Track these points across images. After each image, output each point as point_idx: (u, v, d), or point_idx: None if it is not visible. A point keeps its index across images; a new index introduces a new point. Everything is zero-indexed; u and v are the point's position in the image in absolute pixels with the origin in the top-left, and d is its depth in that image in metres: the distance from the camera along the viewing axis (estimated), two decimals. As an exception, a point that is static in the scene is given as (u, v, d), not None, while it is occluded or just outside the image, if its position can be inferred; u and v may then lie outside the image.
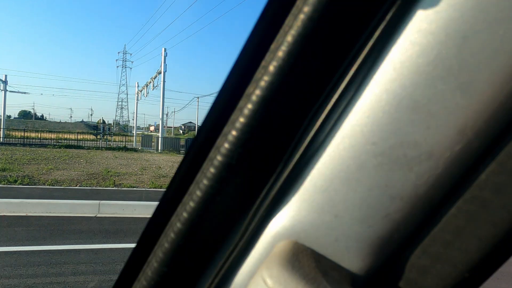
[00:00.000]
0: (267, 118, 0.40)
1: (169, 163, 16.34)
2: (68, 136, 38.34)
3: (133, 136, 53.21)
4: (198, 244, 0.47)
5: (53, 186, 8.91)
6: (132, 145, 34.61)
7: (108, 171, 11.98)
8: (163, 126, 28.43)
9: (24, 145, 25.59)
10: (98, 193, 8.25)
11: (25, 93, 43.64)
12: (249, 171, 0.43)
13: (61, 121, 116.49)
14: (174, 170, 13.50)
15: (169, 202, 0.50)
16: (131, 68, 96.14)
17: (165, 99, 27.09)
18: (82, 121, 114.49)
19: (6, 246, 4.66)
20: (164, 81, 26.65)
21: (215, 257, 0.49)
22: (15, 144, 25.92)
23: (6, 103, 35.00)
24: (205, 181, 0.43)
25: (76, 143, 28.44)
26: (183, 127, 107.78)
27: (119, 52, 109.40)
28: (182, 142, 30.62)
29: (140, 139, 35.74)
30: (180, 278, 0.50)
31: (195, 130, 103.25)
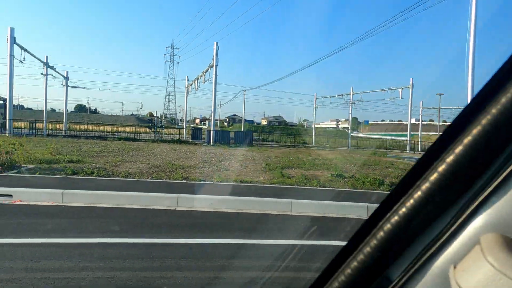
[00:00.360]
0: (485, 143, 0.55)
1: (226, 156, 16.51)
2: (123, 129, 40.11)
3: (181, 128, 54.49)
4: (407, 233, 0.62)
5: (126, 178, 9.25)
6: (182, 137, 35.48)
7: (172, 164, 12.28)
8: (214, 119, 28.79)
9: (86, 137, 27.01)
10: (170, 186, 8.44)
11: (84, 88, 46.05)
12: (462, 179, 0.57)
13: (112, 114, 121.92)
14: (233, 164, 13.67)
15: (390, 201, 0.64)
16: (178, 63, 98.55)
17: (215, 92, 27.41)
18: (132, 114, 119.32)
19: (105, 237, 4.84)
20: (216, 75, 26.96)
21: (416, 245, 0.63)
22: (77, 137, 27.43)
23: (61, 97, 36.98)
24: (427, 184, 0.58)
25: (133, 136, 29.58)
26: (227, 119, 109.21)
27: (167, 47, 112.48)
28: (232, 135, 30.99)
29: (190, 131, 36.65)
30: (387, 259, 0.64)
31: (239, 123, 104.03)
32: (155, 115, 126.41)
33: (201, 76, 32.16)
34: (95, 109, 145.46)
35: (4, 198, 6.76)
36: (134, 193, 7.10)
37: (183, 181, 9.24)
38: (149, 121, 36.53)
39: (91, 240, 4.67)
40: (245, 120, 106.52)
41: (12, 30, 23.08)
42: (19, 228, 5.16)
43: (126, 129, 39.48)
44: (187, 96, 42.73)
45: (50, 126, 37.61)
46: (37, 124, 30.30)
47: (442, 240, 0.59)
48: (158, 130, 34.22)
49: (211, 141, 27.09)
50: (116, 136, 28.61)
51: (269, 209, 6.97)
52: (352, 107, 42.65)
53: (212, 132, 27.67)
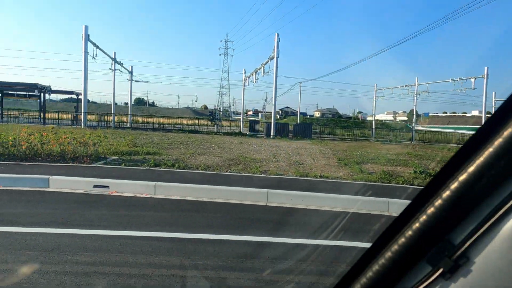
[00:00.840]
0: None
1: (292, 150, 16.22)
2: (183, 121, 41.18)
3: (235, 120, 55.03)
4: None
5: (206, 171, 9.29)
6: (239, 129, 35.72)
7: (244, 157, 12.24)
8: (275, 112, 28.59)
9: (153, 130, 28.05)
10: (252, 180, 8.31)
11: (147, 82, 47.83)
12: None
13: (168, 107, 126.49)
14: (304, 158, 13.36)
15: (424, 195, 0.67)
16: (232, 56, 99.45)
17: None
18: (188, 107, 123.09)
19: (214, 233, 4.75)
20: (277, 67, 26.67)
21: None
22: (144, 129, 28.58)
23: (122, 91, 38.62)
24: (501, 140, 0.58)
25: (196, 128, 30.28)
26: (280, 112, 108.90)
27: (221, 41, 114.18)
28: (290, 128, 30.63)
29: (248, 124, 36.83)
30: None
31: (292, 115, 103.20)
32: (208, 107, 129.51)
33: (260, 68, 32.04)
34: (153, 102, 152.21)
35: (102, 189, 7.01)
36: (224, 187, 7.04)
37: (262, 175, 9.09)
38: (210, 113, 37.01)
39: (202, 236, 4.60)
40: (300, 113, 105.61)
41: (86, 28, 24.46)
42: (126, 220, 5.26)
43: (186, 121, 40.60)
44: (244, 89, 42.93)
45: (116, 118, 39.79)
46: (104, 117, 32.13)
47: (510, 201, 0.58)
48: (217, 122, 34.63)
49: (272, 134, 26.95)
50: (180, 129, 29.47)
51: (378, 210, 6.57)
52: (412, 99, 40.33)
53: (272, 125, 27.52)
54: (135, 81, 40.47)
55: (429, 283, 0.64)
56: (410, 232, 0.65)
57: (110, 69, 32.70)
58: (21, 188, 6.95)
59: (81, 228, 4.70)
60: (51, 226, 4.76)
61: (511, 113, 0.58)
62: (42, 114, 27.97)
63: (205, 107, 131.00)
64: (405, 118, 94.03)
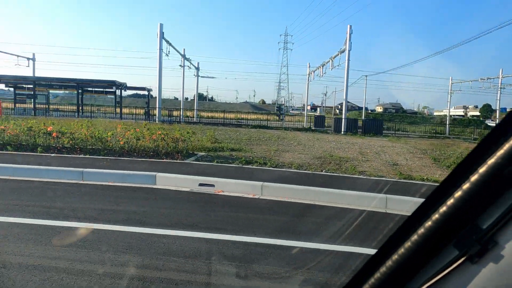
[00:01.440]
0: None
1: (376, 147, 15.29)
2: (246, 116, 41.34)
3: (297, 115, 54.27)
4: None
5: (299, 170, 8.88)
6: (302, 125, 35.01)
7: (331, 155, 11.68)
8: (346, 107, 27.54)
9: (223, 125, 28.37)
10: (356, 182, 7.76)
11: (213, 77, 48.68)
12: None
13: (226, 101, 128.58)
14: (394, 157, 12.47)
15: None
16: (291, 50, 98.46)
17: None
18: (246, 102, 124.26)
19: (345, 244, 4.31)
20: (348, 60, 25.60)
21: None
22: (214, 124, 28.98)
23: (183, 87, 39.40)
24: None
25: (261, 123, 30.17)
26: (339, 106, 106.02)
27: (281, 35, 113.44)
28: (359, 123, 29.37)
29: (313, 119, 36.03)
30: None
31: (353, 110, 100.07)
32: (266, 102, 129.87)
33: (329, 61, 31.04)
34: (211, 97, 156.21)
35: (207, 188, 6.88)
36: (334, 190, 6.57)
37: (361, 176, 8.48)
38: (277, 108, 36.66)
39: (343, 248, 4.17)
40: (359, 108, 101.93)
41: (161, 26, 25.24)
42: (248, 224, 5.00)
43: (248, 116, 40.79)
44: (308, 83, 42.05)
45: (189, 113, 41.13)
46: (173, 112, 33.15)
47: None
48: (283, 117, 34.26)
49: (342, 130, 25.98)
50: (248, 124, 29.53)
51: None
52: (488, 93, 36.81)
53: (343, 120, 26.54)
54: (201, 76, 41.35)
55: (456, 267, 0.63)
56: (437, 216, 0.63)
57: (180, 65, 33.64)
58: (129, 185, 7.04)
59: (211, 232, 4.49)
60: (180, 228, 4.61)
61: None
62: (119, 109, 29.46)
63: (263, 102, 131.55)
64: (477, 113, 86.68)
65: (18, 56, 37.11)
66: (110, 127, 13.67)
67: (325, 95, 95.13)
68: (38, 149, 9.92)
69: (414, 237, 0.67)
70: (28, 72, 39.12)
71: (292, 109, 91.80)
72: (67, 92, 37.44)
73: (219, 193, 6.70)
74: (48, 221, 4.67)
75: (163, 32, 25.30)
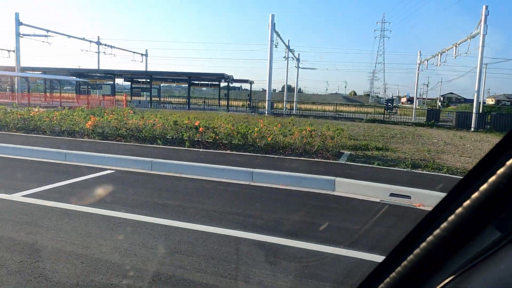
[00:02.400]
0: None
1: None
2: (347, 108, 39.36)
3: (400, 108, 50.27)
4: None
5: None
6: (410, 118, 31.96)
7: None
8: (478, 99, 24.26)
9: (334, 118, 27.16)
10: None
11: (313, 68, 47.55)
12: None
13: (314, 93, 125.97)
14: None
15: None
16: (388, 38, 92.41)
17: (480, 67, 22.81)
18: (336, 93, 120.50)
19: None
20: (483, 46, 22.31)
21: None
22: (313, 116, 27.92)
23: (287, 79, 38.62)
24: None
25: (380, 117, 28.22)
26: (442, 98, 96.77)
27: (377, 22, 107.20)
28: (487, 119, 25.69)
29: (425, 113, 32.78)
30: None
31: (458, 103, 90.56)
32: (357, 93, 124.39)
33: (451, 48, 27.70)
34: (300, 89, 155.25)
35: (401, 199, 5.85)
36: None
37: None
38: (388, 101, 34.22)
39: None
40: (465, 100, 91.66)
41: (272, 17, 24.80)
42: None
43: (349, 108, 38.76)
44: (418, 73, 38.49)
45: (280, 105, 40.69)
46: (275, 105, 32.83)
47: None
48: (395, 111, 31.70)
49: (472, 126, 22.86)
50: (358, 118, 27.86)
51: None
52: None
53: (474, 115, 23.36)
54: (302, 68, 40.43)
55: (498, 249, 0.61)
56: (477, 194, 0.60)
57: (284, 57, 33.10)
58: (304, 189, 6.35)
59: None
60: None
61: None
62: (223, 101, 30.00)
63: (354, 93, 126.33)
64: None
65: (134, 52, 40.13)
66: (237, 120, 13.45)
67: (427, 86, 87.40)
68: (186, 143, 9.89)
69: (452, 217, 0.63)
70: (141, 67, 42.20)
71: (386, 101, 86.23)
72: (174, 85, 39.60)
73: (418, 207, 5.63)
74: (278, 238, 4.08)
75: (274, 23, 24.82)
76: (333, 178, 6.38)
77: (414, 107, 38.69)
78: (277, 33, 26.18)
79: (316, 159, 8.77)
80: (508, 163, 0.57)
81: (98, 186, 6.20)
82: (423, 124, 25.55)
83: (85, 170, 7.17)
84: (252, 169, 6.86)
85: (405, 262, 0.70)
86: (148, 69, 39.85)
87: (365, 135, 14.38)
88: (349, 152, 9.98)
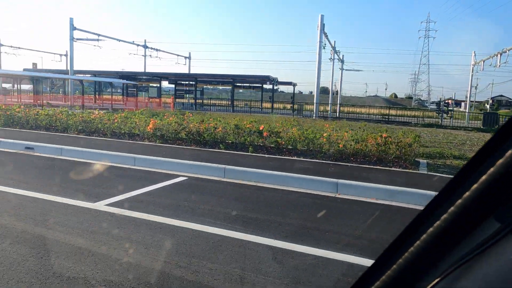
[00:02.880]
0: None
1: None
2: (391, 111, 37.75)
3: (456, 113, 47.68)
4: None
5: None
6: (463, 123, 30.00)
7: None
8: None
9: (386, 122, 26.03)
10: None
11: (358, 70, 46.37)
12: None
13: (351, 95, 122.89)
14: None
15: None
16: (434, 38, 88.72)
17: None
18: (376, 96, 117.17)
19: None
20: (556, 45, 20.43)
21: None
22: (360, 120, 26.84)
23: (332, 81, 37.52)
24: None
25: (430, 122, 26.79)
26: (491, 101, 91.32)
27: (421, 22, 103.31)
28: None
29: (481, 116, 30.71)
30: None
31: (508, 106, 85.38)
32: (398, 96, 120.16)
33: (514, 48, 25.75)
34: (337, 91, 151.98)
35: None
36: None
37: None
38: (443, 104, 32.50)
39: None
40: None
41: (322, 17, 24.07)
42: None
43: (396, 112, 37.16)
44: (472, 75, 36.24)
45: (321, 108, 39.70)
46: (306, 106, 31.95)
47: None
48: (450, 115, 29.95)
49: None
50: (396, 120, 26.52)
51: None
52: None
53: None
54: (346, 69, 39.33)
55: (499, 239, 0.61)
56: (476, 186, 0.59)
57: (330, 58, 32.25)
58: (399, 205, 5.70)
59: None
60: None
61: None
62: (271, 104, 29.56)
63: (395, 96, 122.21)
64: None
65: (178, 55, 40.66)
66: (289, 124, 12.92)
67: (475, 88, 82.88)
68: (249, 148, 9.48)
69: (452, 209, 0.62)
70: (184, 69, 42.71)
71: (430, 104, 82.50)
72: (219, 87, 39.71)
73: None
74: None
75: (323, 24, 24.10)
76: (430, 192, 5.69)
77: (467, 111, 36.48)
78: (325, 34, 25.44)
79: (394, 169, 8.07)
80: (507, 154, 0.56)
81: (177, 195, 5.87)
82: (483, 129, 23.87)
83: (157, 176, 6.90)
84: (336, 180, 6.29)
85: (400, 261, 0.68)
86: (191, 72, 40.22)
87: (431, 142, 13.40)
88: (425, 161, 9.17)
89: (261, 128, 9.68)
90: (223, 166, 7.07)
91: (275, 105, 35.20)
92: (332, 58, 32.43)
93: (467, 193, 0.59)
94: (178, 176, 6.91)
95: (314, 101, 24.95)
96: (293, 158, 8.86)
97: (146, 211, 4.77)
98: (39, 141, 9.65)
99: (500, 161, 0.55)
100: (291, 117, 22.96)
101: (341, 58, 38.39)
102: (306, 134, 9.35)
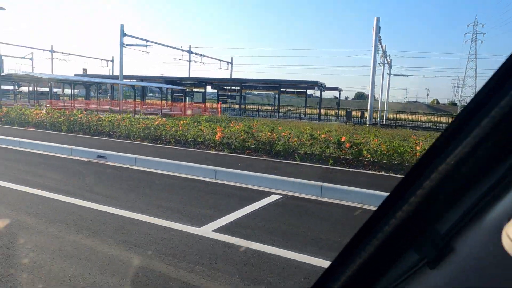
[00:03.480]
0: None
1: None
2: (443, 119, 35.68)
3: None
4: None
5: None
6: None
7: None
8: None
9: (429, 129, 24.40)
10: None
11: (407, 75, 44.61)
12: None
13: (391, 101, 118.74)
14: None
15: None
16: (482, 41, 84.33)
17: None
18: (417, 101, 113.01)
19: None
20: None
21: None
22: (421, 128, 25.29)
23: (382, 87, 36.03)
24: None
25: None
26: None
27: (468, 25, 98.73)
28: None
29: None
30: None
31: None
32: (440, 102, 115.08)
33: None
34: (374, 96, 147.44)
35: None
36: None
37: None
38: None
39: None
40: None
41: (377, 20, 22.95)
42: None
43: (447, 119, 35.10)
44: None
45: (364, 114, 38.18)
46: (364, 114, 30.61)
47: (496, 191, 0.55)
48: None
49: None
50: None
51: None
52: None
53: None
54: (394, 75, 37.73)
55: (416, 271, 0.62)
56: (401, 214, 0.61)
57: (380, 63, 30.91)
58: None
59: None
60: None
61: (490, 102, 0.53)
62: (318, 110, 28.63)
63: (437, 102, 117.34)
64: None
65: (220, 60, 40.58)
66: (347, 132, 11.98)
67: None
68: (329, 160, 8.68)
69: (375, 241, 0.65)
70: (225, 74, 42.60)
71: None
72: (264, 93, 39.18)
73: None
74: None
75: (379, 27, 22.96)
76: None
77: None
78: (379, 38, 24.28)
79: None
80: (433, 177, 0.57)
81: (283, 218, 5.18)
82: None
83: (248, 193, 6.25)
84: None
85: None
86: (233, 77, 39.98)
87: None
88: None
89: (342, 140, 8.86)
90: (320, 183, 6.31)
91: (317, 111, 34.18)
92: (383, 62, 31.09)
93: (386, 227, 0.63)
94: (270, 193, 6.21)
95: (368, 108, 23.79)
96: (379, 173, 7.97)
97: (262, 241, 4.09)
98: (107, 149, 9.32)
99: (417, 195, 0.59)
100: (343, 124, 21.93)
101: (390, 62, 36.89)
102: (397, 147, 8.45)
